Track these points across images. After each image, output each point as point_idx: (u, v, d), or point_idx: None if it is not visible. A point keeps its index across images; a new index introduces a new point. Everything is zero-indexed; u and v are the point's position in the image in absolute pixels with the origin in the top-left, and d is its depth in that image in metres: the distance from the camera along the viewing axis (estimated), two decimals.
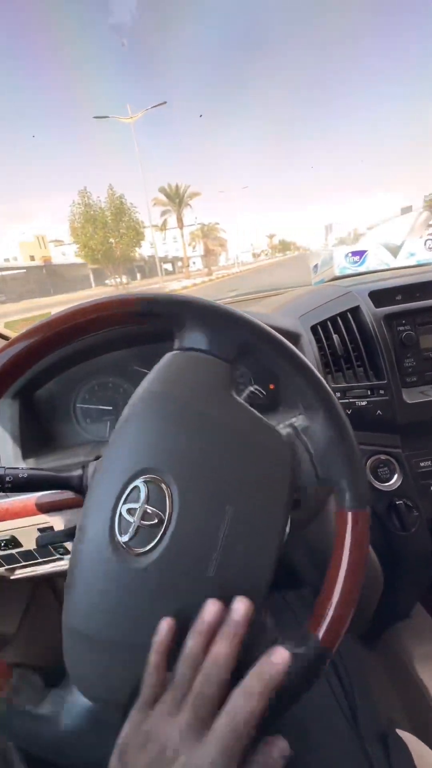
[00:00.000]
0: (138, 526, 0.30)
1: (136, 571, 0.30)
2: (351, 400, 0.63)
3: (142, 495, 0.31)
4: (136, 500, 0.31)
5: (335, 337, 0.65)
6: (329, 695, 0.45)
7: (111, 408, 0.74)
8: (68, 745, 0.29)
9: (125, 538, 0.30)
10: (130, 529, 0.30)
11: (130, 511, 0.31)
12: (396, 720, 0.43)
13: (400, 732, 0.42)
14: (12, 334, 0.97)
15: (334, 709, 0.43)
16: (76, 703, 0.30)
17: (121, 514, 0.31)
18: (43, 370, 0.66)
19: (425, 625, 0.77)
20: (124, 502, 0.31)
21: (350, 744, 0.40)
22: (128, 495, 0.31)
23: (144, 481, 0.31)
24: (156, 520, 0.30)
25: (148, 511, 0.30)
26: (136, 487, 0.31)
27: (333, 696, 0.45)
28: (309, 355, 0.66)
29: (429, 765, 0.41)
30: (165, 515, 0.31)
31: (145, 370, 0.73)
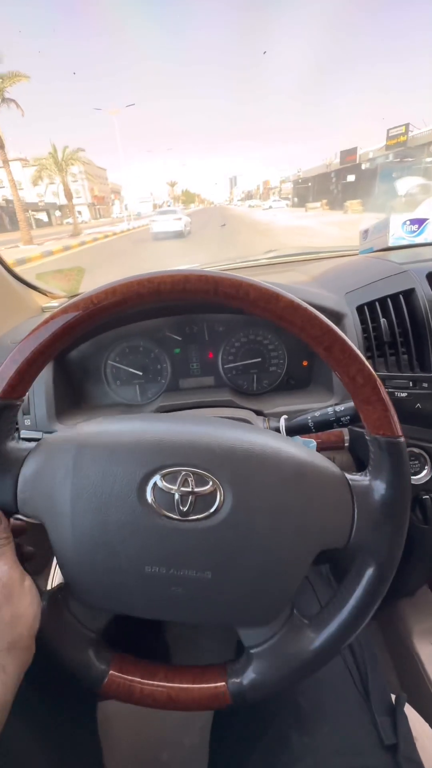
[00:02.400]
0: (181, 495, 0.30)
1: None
2: (390, 389, 0.60)
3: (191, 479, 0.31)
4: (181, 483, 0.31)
5: (383, 321, 0.61)
6: (342, 666, 0.48)
7: (141, 372, 0.73)
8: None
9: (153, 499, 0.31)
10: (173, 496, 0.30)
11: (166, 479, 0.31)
12: (403, 695, 0.45)
13: (406, 709, 0.45)
14: (46, 286, 0.95)
15: (347, 681, 0.46)
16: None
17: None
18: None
19: (427, 603, 0.80)
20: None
21: (361, 715, 0.43)
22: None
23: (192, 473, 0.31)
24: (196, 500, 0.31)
25: (196, 490, 0.30)
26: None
27: (346, 667, 0.47)
28: (352, 337, 0.62)
29: (424, 739, 0.44)
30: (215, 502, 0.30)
31: (177, 337, 0.73)
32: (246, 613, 0.33)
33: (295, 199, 38.84)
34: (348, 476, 0.33)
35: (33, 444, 0.35)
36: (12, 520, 0.35)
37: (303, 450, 0.34)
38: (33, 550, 0.38)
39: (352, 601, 0.32)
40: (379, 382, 0.31)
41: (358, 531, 0.32)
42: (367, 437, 0.33)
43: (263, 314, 0.32)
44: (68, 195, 25.55)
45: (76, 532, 0.31)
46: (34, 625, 0.31)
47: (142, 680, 0.34)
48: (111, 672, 0.34)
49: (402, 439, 0.32)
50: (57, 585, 0.36)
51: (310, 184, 36.03)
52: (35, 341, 0.32)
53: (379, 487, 0.32)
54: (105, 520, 0.31)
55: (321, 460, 0.34)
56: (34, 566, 0.38)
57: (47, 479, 0.32)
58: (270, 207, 36.76)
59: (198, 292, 0.32)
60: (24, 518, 0.34)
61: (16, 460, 0.33)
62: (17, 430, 0.61)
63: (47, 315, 0.33)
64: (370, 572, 0.32)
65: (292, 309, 0.31)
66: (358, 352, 0.31)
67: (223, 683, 0.34)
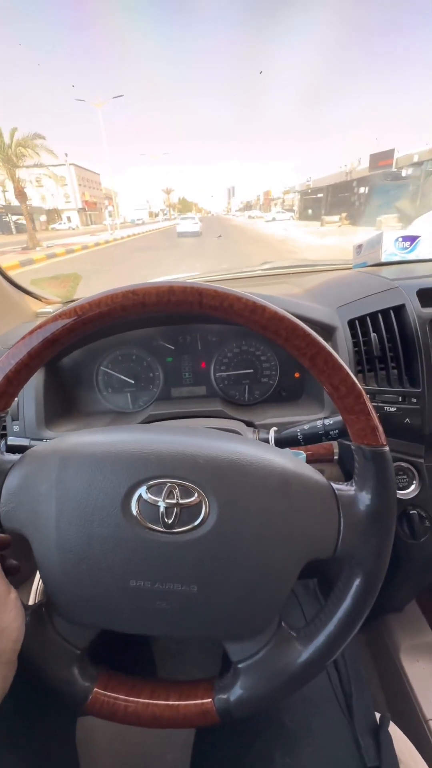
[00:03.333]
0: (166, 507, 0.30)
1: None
2: (379, 404, 0.60)
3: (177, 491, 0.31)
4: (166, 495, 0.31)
5: (373, 335, 0.61)
6: (327, 684, 0.47)
7: (133, 380, 0.73)
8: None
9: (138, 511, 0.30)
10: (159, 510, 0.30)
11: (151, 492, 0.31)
12: (387, 715, 0.44)
13: (391, 729, 0.44)
14: (41, 292, 0.96)
15: (332, 699, 0.46)
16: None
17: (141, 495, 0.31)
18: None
19: (416, 619, 0.80)
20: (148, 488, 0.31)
21: (344, 733, 0.42)
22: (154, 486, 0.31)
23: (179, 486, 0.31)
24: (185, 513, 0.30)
25: (181, 502, 0.30)
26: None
27: (330, 686, 0.47)
28: (343, 351, 0.63)
29: (408, 760, 0.44)
30: (200, 515, 0.30)
31: (170, 346, 0.73)
32: (233, 626, 0.33)
33: (309, 211, 35.23)
34: (334, 486, 0.34)
35: (17, 456, 0.35)
36: None
37: (289, 460, 0.34)
38: (17, 564, 0.38)
39: (340, 612, 0.32)
40: (362, 392, 0.31)
41: (345, 541, 0.32)
42: (352, 447, 0.33)
43: (248, 325, 0.32)
44: (20, 195, 18.19)
45: (61, 545, 0.31)
46: (18, 639, 0.31)
47: (126, 698, 0.34)
48: (95, 689, 0.34)
49: (386, 449, 0.32)
50: (40, 600, 0.35)
51: (320, 194, 33.00)
52: (15, 357, 0.32)
53: (365, 497, 0.32)
54: (89, 533, 0.30)
55: (307, 470, 0.34)
56: (16, 579, 0.37)
57: (31, 492, 0.32)
58: (273, 219, 35.11)
59: (183, 304, 0.32)
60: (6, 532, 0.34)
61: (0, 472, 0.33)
62: (4, 436, 0.60)
63: (39, 321, 0.33)
64: (357, 582, 0.32)
65: (277, 320, 0.31)
66: (342, 362, 0.31)
67: (210, 700, 0.33)
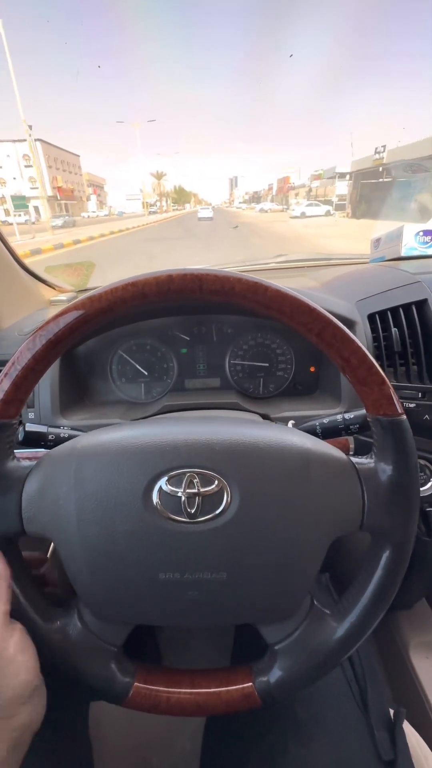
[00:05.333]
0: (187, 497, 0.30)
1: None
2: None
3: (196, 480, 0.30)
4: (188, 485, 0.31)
5: (394, 330, 0.60)
6: (342, 679, 0.47)
7: (146, 370, 0.73)
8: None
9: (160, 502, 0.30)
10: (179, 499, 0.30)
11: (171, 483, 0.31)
12: (402, 710, 0.44)
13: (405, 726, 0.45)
14: (55, 280, 0.95)
15: (347, 693, 0.46)
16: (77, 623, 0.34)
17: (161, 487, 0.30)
18: None
19: (425, 616, 0.80)
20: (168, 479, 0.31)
21: (360, 728, 0.43)
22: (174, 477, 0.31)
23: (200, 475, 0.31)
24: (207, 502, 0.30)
25: (202, 491, 0.30)
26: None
27: (345, 680, 0.47)
28: None
29: (420, 756, 0.44)
30: (222, 503, 0.30)
31: (185, 337, 0.73)
32: (266, 609, 0.33)
33: (370, 205, 20.13)
34: (354, 459, 0.33)
35: (33, 462, 0.35)
36: (25, 553, 0.34)
37: (306, 438, 0.33)
38: (56, 579, 0.38)
39: (372, 585, 0.32)
40: (374, 362, 0.31)
41: (370, 514, 0.32)
42: (368, 419, 0.33)
43: (252, 306, 0.32)
44: None
45: (85, 545, 0.31)
46: (28, 683, 0.30)
47: (168, 689, 0.34)
48: (136, 684, 0.34)
49: (404, 417, 0.31)
50: (71, 601, 0.35)
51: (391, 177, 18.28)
52: (20, 362, 0.31)
53: (386, 468, 0.32)
54: (113, 531, 0.30)
55: (325, 447, 0.34)
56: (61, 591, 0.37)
57: (51, 495, 0.32)
58: (302, 214, 24.23)
59: (184, 292, 0.31)
60: (33, 550, 0.34)
61: (18, 479, 0.33)
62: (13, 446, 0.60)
63: (52, 310, 0.33)
64: (387, 554, 0.32)
65: (280, 297, 0.31)
66: (351, 334, 0.31)
67: (250, 684, 0.34)
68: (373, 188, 21.47)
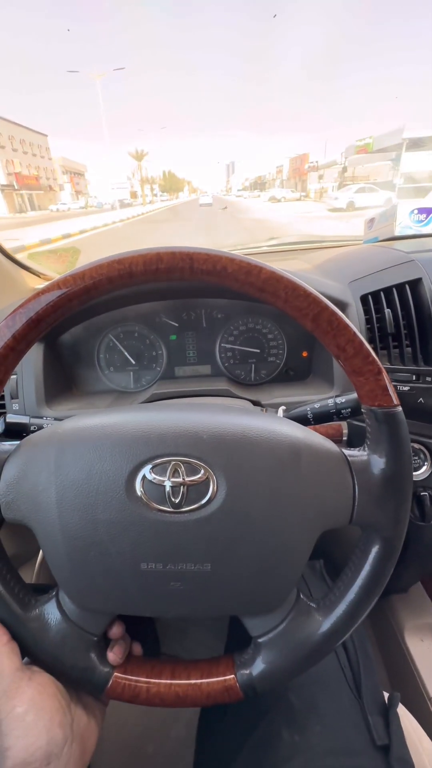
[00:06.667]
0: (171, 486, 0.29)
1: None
2: (392, 383, 0.58)
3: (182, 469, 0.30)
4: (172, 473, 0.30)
5: (387, 311, 0.58)
6: (335, 664, 0.47)
7: (135, 359, 0.71)
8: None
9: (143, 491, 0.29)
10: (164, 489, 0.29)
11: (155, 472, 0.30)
12: (396, 694, 0.44)
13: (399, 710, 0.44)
14: (39, 267, 0.92)
15: (340, 679, 0.45)
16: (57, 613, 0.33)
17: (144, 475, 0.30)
18: (69, 316, 0.63)
19: (420, 600, 0.80)
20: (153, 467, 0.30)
21: (354, 714, 0.42)
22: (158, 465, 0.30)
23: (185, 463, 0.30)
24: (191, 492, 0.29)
25: (187, 480, 0.29)
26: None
27: (339, 665, 0.47)
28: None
29: (415, 739, 0.44)
30: (208, 493, 0.29)
31: (174, 323, 0.71)
32: (251, 601, 0.32)
33: None
34: (346, 452, 0.32)
35: (12, 445, 0.33)
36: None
37: (297, 429, 0.32)
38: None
39: (360, 580, 0.32)
40: (371, 351, 0.30)
41: (360, 508, 0.31)
42: (362, 410, 0.32)
43: (244, 289, 0.30)
44: None
45: (66, 534, 0.30)
46: (39, 748, 0.28)
47: (148, 680, 0.34)
48: (115, 674, 0.34)
49: (399, 409, 0.30)
50: (51, 590, 0.35)
51: None
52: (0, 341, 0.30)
53: (378, 461, 0.31)
54: (94, 519, 0.29)
55: (317, 438, 0.33)
56: (18, 561, 0.35)
57: (30, 481, 0.31)
58: (350, 204, 14.94)
59: (173, 271, 0.30)
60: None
61: None
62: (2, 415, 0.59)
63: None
64: (376, 549, 0.32)
65: (274, 280, 0.29)
66: (348, 321, 0.29)
67: (232, 676, 0.33)
68: None
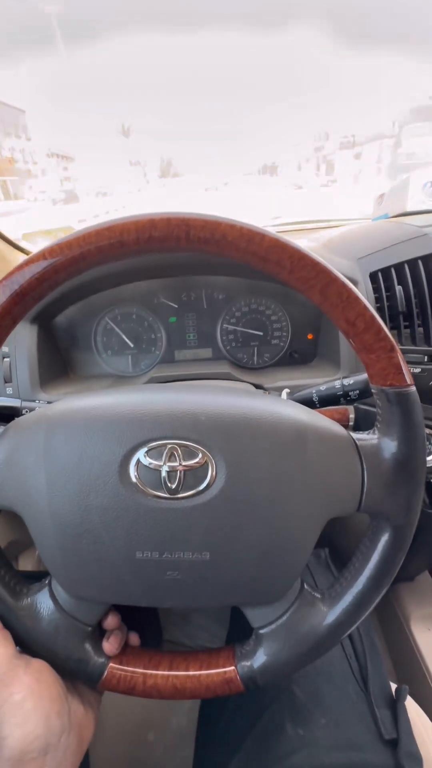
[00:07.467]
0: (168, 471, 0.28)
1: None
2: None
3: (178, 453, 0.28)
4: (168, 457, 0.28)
5: (398, 288, 0.55)
6: (341, 656, 0.45)
7: (133, 342, 0.69)
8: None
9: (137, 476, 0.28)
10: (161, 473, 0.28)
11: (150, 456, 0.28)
12: (405, 687, 0.43)
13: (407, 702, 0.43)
14: (33, 247, 0.89)
15: (346, 671, 0.44)
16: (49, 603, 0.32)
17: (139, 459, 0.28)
18: (63, 295, 0.60)
19: (427, 588, 0.78)
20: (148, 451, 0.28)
21: (360, 707, 0.41)
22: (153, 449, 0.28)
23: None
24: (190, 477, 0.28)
25: (184, 464, 0.28)
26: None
27: (345, 657, 0.45)
28: None
29: (423, 732, 0.42)
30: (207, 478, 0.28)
31: (173, 304, 0.68)
32: (252, 591, 0.31)
33: None
34: (354, 436, 0.31)
35: (1, 428, 0.32)
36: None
37: (302, 411, 0.31)
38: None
39: (368, 570, 0.30)
40: (383, 326, 0.27)
41: (370, 494, 0.29)
42: (373, 390, 0.30)
43: (246, 258, 0.28)
44: None
45: (57, 521, 0.28)
46: (37, 737, 0.27)
47: (145, 671, 0.32)
48: (110, 665, 0.32)
49: (412, 389, 0.28)
50: (44, 579, 0.33)
51: None
52: None
53: (390, 445, 0.29)
54: (86, 506, 0.28)
55: (323, 421, 0.31)
56: (16, 550, 0.34)
57: (19, 466, 0.29)
58: None
59: (168, 239, 0.27)
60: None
61: None
62: None
63: None
64: (385, 537, 0.30)
65: (279, 248, 0.26)
66: (358, 293, 0.27)
67: (233, 668, 0.32)
68: None
